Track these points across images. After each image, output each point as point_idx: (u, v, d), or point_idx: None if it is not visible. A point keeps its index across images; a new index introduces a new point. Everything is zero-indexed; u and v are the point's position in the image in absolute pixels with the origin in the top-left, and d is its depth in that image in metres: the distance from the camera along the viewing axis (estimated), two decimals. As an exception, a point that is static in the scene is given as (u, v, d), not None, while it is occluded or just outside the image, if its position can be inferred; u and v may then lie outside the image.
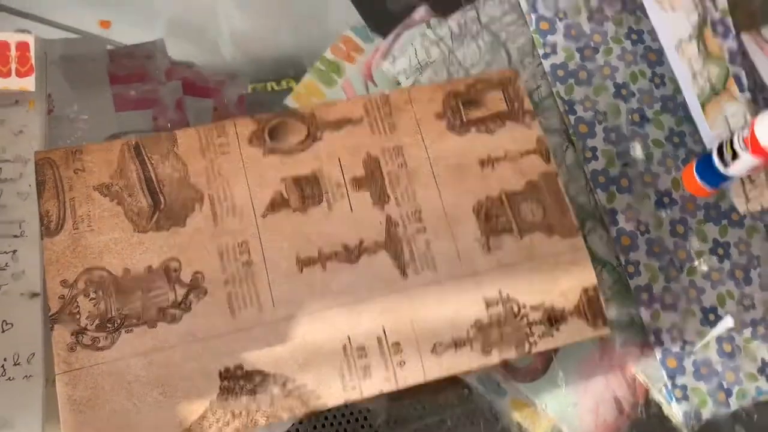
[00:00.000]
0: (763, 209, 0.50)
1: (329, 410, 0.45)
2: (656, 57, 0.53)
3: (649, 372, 0.46)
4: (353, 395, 0.38)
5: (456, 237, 0.41)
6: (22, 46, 0.43)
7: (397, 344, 0.39)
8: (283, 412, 0.37)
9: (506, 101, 0.45)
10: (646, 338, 0.47)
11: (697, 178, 0.48)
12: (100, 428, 0.36)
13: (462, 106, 0.45)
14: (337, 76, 0.50)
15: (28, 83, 0.43)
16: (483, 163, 0.43)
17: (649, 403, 0.47)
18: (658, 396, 0.46)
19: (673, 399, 0.46)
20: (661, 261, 0.48)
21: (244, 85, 0.54)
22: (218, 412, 0.37)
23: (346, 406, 0.44)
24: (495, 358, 0.40)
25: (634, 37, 0.53)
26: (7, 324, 0.41)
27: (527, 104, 0.45)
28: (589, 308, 0.41)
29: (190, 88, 0.52)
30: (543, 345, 0.40)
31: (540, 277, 0.41)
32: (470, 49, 0.51)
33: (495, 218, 0.42)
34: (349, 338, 0.39)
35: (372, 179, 0.42)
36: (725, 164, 0.46)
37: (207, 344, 0.38)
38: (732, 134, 0.46)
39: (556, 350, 0.40)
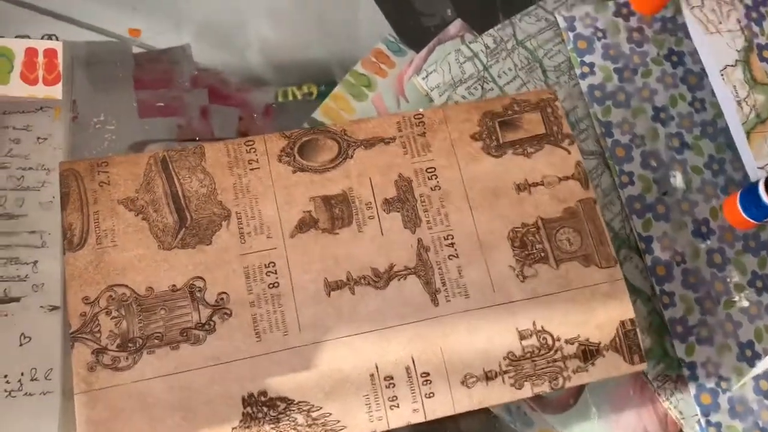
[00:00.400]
0: None
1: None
2: (696, 80, 0.51)
3: (682, 407, 0.45)
4: (380, 426, 0.37)
5: (489, 264, 0.40)
6: (50, 53, 0.42)
7: (426, 374, 0.38)
8: (306, 442, 0.36)
9: (544, 123, 0.44)
10: (680, 372, 0.45)
11: (741, 210, 0.46)
12: (118, 453, 0.34)
13: (498, 127, 0.43)
14: (368, 90, 0.49)
15: (55, 92, 0.42)
16: (519, 188, 0.42)
17: None
18: None
19: None
20: (697, 292, 0.46)
21: (270, 93, 0.53)
22: (240, 439, 0.35)
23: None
24: (527, 392, 0.38)
25: (674, 59, 0.51)
26: (25, 337, 0.40)
27: (566, 127, 0.44)
28: (626, 343, 0.39)
29: (216, 95, 0.51)
30: (577, 380, 0.39)
31: (576, 309, 0.40)
32: (505, 65, 0.49)
33: (530, 245, 0.41)
34: (376, 366, 0.37)
35: (404, 201, 0.41)
36: None
37: (230, 368, 0.36)
38: None
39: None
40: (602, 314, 0.40)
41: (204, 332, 0.37)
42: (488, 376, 0.38)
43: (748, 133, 0.49)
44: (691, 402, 0.45)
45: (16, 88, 0.41)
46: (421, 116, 0.43)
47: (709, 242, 0.48)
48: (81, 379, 0.35)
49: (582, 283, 0.40)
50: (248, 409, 0.36)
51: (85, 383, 0.35)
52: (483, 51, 0.50)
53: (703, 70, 0.51)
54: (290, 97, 0.51)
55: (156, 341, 0.36)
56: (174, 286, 0.37)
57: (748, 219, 0.46)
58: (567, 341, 0.39)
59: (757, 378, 0.45)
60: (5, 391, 0.38)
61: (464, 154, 0.42)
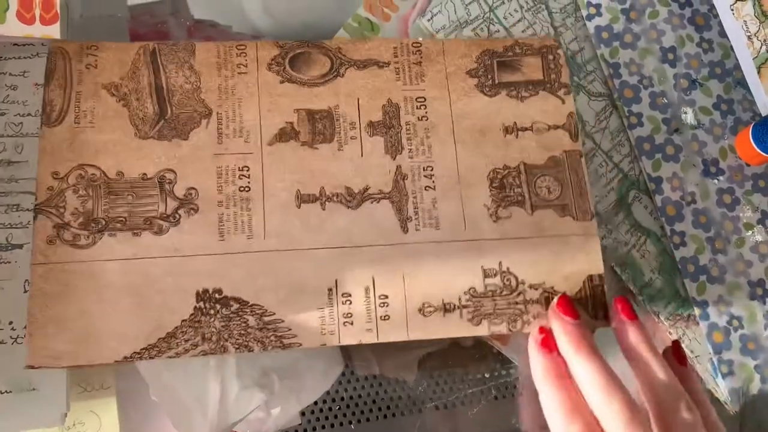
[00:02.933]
0: None
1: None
2: (704, 21, 0.50)
3: (693, 347, 0.45)
4: (330, 340, 0.36)
5: (465, 200, 0.39)
6: None
7: (384, 297, 0.37)
8: (254, 344, 0.36)
9: (543, 70, 0.43)
10: (691, 311, 0.45)
11: (753, 143, 0.45)
12: (64, 326, 0.34)
13: (496, 66, 0.42)
14: (372, 33, 0.48)
15: (53, 31, 0.40)
16: (507, 130, 0.41)
17: None
18: (703, 371, 0.45)
19: (719, 374, 0.44)
20: (707, 232, 0.46)
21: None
22: (188, 332, 0.35)
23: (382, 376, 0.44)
24: (484, 329, 0.38)
25: None
26: (29, 284, 0.39)
27: (565, 77, 0.43)
28: (592, 297, 0.39)
29: None
30: (536, 325, 0.38)
31: (544, 256, 0.39)
32: (511, 7, 0.48)
33: (509, 188, 0.40)
34: (336, 282, 0.37)
35: (389, 126, 0.40)
36: None
37: (189, 262, 0.36)
38: None
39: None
40: (570, 265, 0.39)
41: (168, 223, 0.37)
42: (446, 308, 0.38)
43: (759, 68, 0.48)
44: (702, 341, 0.45)
45: (12, 27, 0.39)
46: (419, 45, 0.42)
47: (718, 182, 0.48)
48: (39, 251, 0.35)
49: (554, 231, 0.39)
50: (201, 304, 0.36)
51: (43, 255, 0.35)
52: None
53: (710, 10, 0.50)
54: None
55: (119, 225, 0.36)
56: (145, 174, 0.37)
57: (761, 152, 0.45)
58: (531, 286, 0.38)
59: None
60: (11, 337, 0.37)
61: (457, 89, 0.42)
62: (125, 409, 0.42)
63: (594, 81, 0.48)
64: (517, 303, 0.38)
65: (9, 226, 0.38)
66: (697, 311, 0.45)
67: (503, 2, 0.48)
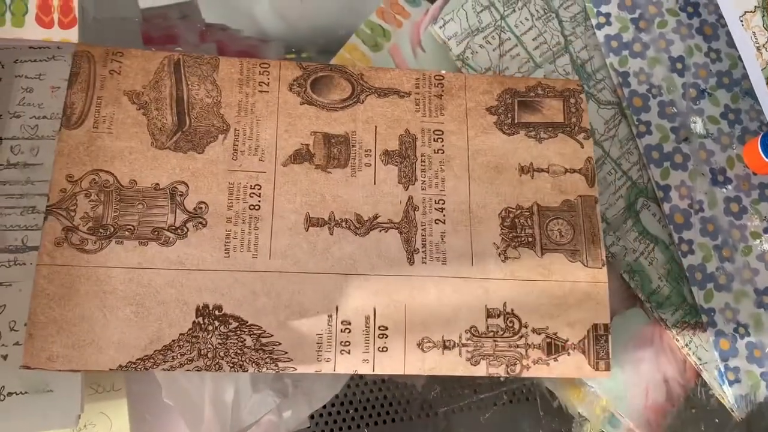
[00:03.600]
0: None
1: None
2: (711, 31, 0.51)
3: (700, 354, 0.45)
4: (326, 367, 0.36)
5: (474, 237, 0.39)
6: None
7: (384, 328, 0.37)
8: (249, 365, 0.35)
9: (564, 112, 0.42)
10: (698, 319, 0.45)
11: (762, 153, 0.46)
12: (64, 328, 0.35)
13: (517, 106, 0.42)
14: (384, 40, 0.48)
15: (71, 35, 0.40)
16: (523, 170, 0.41)
17: (700, 385, 0.45)
18: (710, 378, 0.44)
19: (726, 381, 0.44)
20: (715, 240, 0.47)
21: (279, 50, 0.52)
22: (185, 346, 0.35)
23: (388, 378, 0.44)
24: (481, 370, 0.37)
25: (690, 9, 0.51)
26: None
27: (585, 121, 0.42)
28: (595, 347, 0.38)
29: (224, 51, 0.51)
30: (535, 371, 0.38)
31: (550, 301, 0.38)
32: (522, 15, 0.48)
33: (520, 228, 0.40)
34: (336, 309, 0.37)
35: (404, 156, 0.40)
36: None
37: (192, 276, 0.36)
38: None
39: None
40: (577, 312, 0.38)
41: (175, 235, 0.37)
42: (446, 345, 0.37)
43: (767, 79, 0.48)
44: (709, 348, 0.45)
45: (31, 31, 0.40)
46: (441, 77, 0.42)
47: (726, 191, 0.48)
48: (46, 252, 0.35)
49: (563, 277, 0.39)
50: (200, 319, 0.36)
51: (49, 257, 0.35)
52: (499, 0, 0.49)
53: (718, 20, 0.51)
54: (303, 54, 0.50)
55: (127, 233, 0.36)
56: (157, 184, 0.37)
57: None
58: (534, 330, 0.38)
59: None
60: None
61: (476, 125, 0.41)
62: (136, 410, 0.42)
63: (603, 89, 0.48)
64: (518, 346, 0.38)
65: (25, 228, 0.38)
66: (704, 318, 0.45)
67: (514, 11, 0.48)
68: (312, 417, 0.44)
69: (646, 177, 0.47)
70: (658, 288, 0.45)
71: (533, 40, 0.48)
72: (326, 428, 0.45)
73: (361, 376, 0.46)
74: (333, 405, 0.45)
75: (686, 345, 0.45)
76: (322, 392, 0.43)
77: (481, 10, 0.48)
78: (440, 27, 0.48)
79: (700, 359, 0.45)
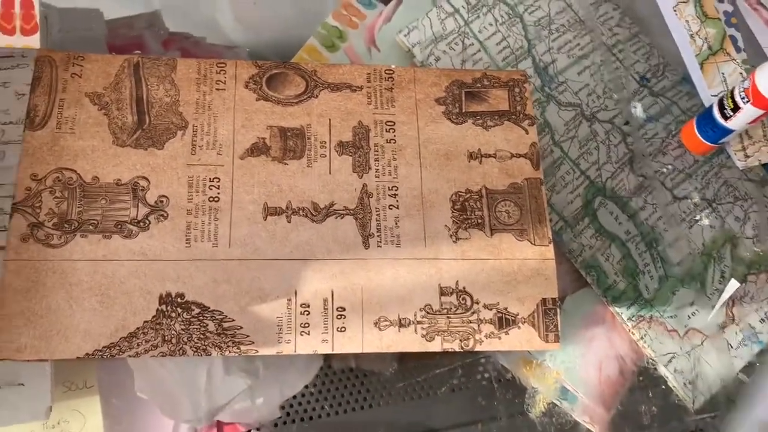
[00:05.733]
0: (760, 164, 0.52)
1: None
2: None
3: (655, 347, 0.47)
4: (286, 349, 0.38)
5: (426, 220, 0.41)
6: (27, 4, 0.43)
7: (342, 309, 0.39)
8: (212, 349, 0.37)
9: (510, 101, 0.45)
10: (653, 313, 0.47)
11: (698, 133, 0.48)
12: (32, 320, 0.36)
13: (464, 96, 0.44)
14: (340, 41, 0.50)
15: (33, 41, 0.42)
16: (471, 156, 0.43)
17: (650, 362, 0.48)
18: (665, 372, 0.47)
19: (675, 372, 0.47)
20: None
21: (242, 56, 0.54)
22: (149, 333, 0.37)
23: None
24: (436, 345, 0.39)
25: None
26: None
27: (530, 109, 0.45)
28: (545, 320, 0.40)
29: (188, 57, 0.52)
30: (488, 345, 0.39)
31: (500, 278, 0.40)
32: (486, 21, 0.51)
33: (470, 211, 0.42)
34: (295, 292, 0.38)
35: (358, 147, 0.42)
36: (726, 117, 0.47)
37: (155, 266, 0.38)
38: (732, 87, 0.47)
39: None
40: (525, 288, 0.40)
41: (138, 228, 0.38)
42: (402, 323, 0.39)
43: (701, 64, 0.52)
44: (663, 341, 0.47)
45: None
46: (391, 71, 0.44)
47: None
48: (12, 248, 0.37)
49: (512, 255, 0.41)
50: (163, 306, 0.37)
51: (15, 252, 0.37)
52: (464, 7, 0.51)
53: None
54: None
55: (91, 227, 0.38)
56: (119, 180, 0.39)
57: (705, 142, 0.48)
58: (485, 306, 0.40)
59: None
60: None
61: (425, 115, 0.43)
62: (109, 405, 0.43)
63: (565, 91, 0.51)
64: (470, 322, 0.39)
65: None
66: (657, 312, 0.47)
67: (478, 16, 0.51)
68: (282, 407, 0.46)
69: (603, 176, 0.50)
70: (614, 283, 0.47)
71: (497, 44, 0.50)
72: (296, 417, 0.46)
73: (329, 366, 0.48)
74: (303, 395, 0.47)
75: (641, 338, 0.47)
76: (293, 381, 0.45)
77: (446, 18, 0.50)
78: (405, 35, 0.50)
79: (654, 351, 0.47)
